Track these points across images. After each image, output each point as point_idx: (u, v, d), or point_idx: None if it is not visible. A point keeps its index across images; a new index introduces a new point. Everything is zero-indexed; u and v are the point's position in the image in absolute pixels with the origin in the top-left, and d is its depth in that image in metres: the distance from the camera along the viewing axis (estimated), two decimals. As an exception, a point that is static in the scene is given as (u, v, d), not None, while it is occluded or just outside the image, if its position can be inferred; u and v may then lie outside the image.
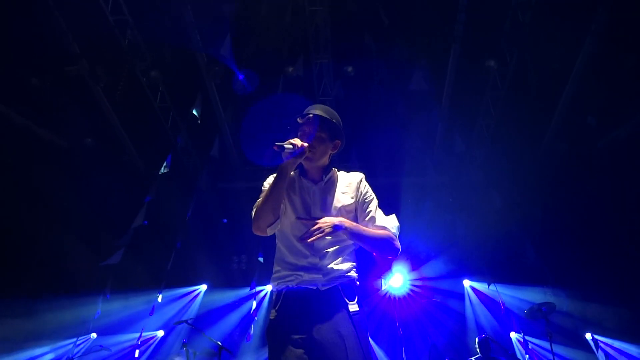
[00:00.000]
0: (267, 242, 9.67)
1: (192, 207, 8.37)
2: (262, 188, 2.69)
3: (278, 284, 2.58)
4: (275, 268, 2.63)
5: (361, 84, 7.76)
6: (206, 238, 8.81)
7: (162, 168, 7.69)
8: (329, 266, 2.53)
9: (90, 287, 7.66)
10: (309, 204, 2.63)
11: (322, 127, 2.65)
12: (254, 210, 2.53)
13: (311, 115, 2.65)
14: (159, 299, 7.92)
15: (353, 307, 2.48)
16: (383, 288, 8.07)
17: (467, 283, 8.76)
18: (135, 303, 7.96)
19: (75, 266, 7.62)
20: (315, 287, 2.50)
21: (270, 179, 2.69)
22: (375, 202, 2.74)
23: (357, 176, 2.77)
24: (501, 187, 8.11)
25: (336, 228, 2.49)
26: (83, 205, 7.57)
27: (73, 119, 7.28)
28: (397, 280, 8.25)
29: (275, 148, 2.44)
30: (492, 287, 8.15)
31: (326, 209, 2.61)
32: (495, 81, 7.43)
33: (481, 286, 8.51)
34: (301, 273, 2.51)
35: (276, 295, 2.56)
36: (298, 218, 2.54)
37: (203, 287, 8.90)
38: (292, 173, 2.67)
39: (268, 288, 8.73)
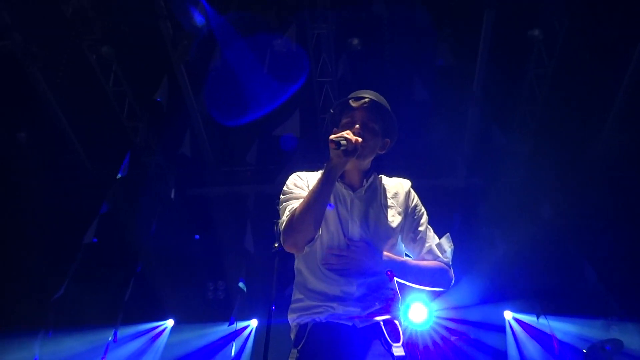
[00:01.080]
0: (252, 264, 9.62)
1: (156, 221, 8.50)
2: (286, 190, 2.74)
3: (300, 316, 2.61)
4: (297, 296, 2.67)
5: (370, 61, 7.80)
6: (174, 259, 8.90)
7: (118, 171, 7.83)
8: (370, 297, 2.58)
9: (27, 323, 7.73)
10: (346, 218, 2.67)
11: (377, 118, 2.71)
12: (288, 219, 2.56)
13: (367, 99, 2.70)
14: (114, 338, 7.97)
15: (398, 350, 2.50)
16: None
17: (509, 315, 8.79)
18: (84, 343, 7.99)
19: (6, 298, 7.63)
20: (351, 324, 2.54)
21: (297, 180, 2.77)
22: (426, 218, 2.82)
23: (405, 184, 2.86)
24: (551, 191, 8.14)
25: (375, 272, 2.57)
26: (16, 219, 7.65)
27: (2, 107, 7.33)
28: (419, 313, 8.23)
29: (333, 146, 2.46)
30: (541, 319, 8.19)
31: (368, 228, 2.66)
32: (540, 56, 7.49)
33: (528, 318, 8.55)
34: (333, 304, 2.55)
35: (298, 331, 2.58)
36: (329, 252, 2.58)
37: (169, 323, 8.93)
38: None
39: (253, 324, 8.75)
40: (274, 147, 8.11)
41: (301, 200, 2.57)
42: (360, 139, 2.52)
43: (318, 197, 2.49)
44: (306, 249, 2.54)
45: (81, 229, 7.79)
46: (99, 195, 7.89)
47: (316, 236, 2.54)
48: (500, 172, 8.49)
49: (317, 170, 2.81)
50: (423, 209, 2.83)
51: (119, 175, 7.78)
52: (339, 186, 2.72)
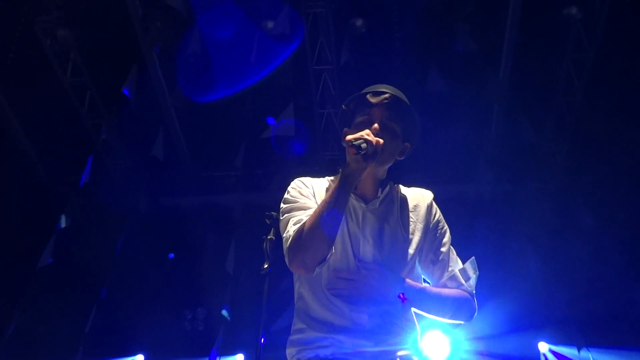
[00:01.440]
0: (237, 288, 9.54)
1: (123, 237, 8.50)
2: (290, 198, 2.82)
3: (301, 350, 2.67)
4: (297, 325, 2.75)
5: (377, 46, 7.80)
6: (144, 283, 8.80)
7: (79, 178, 7.76)
8: (383, 329, 2.64)
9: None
10: (356, 235, 2.74)
11: (398, 118, 2.79)
12: (295, 235, 2.62)
13: (388, 95, 2.78)
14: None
15: None
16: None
17: (544, 347, 8.65)
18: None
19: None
20: None
21: (302, 188, 2.86)
22: (449, 237, 2.90)
23: (426, 195, 2.94)
24: (593, 198, 8.13)
25: (390, 300, 2.63)
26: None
27: None
28: (440, 348, 8.13)
29: (352, 152, 2.52)
30: (583, 352, 8.07)
31: (382, 247, 2.74)
32: (578, 38, 7.52)
33: (567, 351, 8.43)
34: (340, 337, 2.61)
35: None
36: (336, 275, 2.66)
37: (139, 359, 8.81)
38: (330, 182, 2.87)
39: (239, 359, 8.66)
40: (264, 148, 8.20)
41: (308, 211, 2.66)
42: (381, 141, 2.58)
43: (333, 209, 2.54)
44: (317, 270, 2.59)
45: (34, 249, 7.75)
46: (55, 207, 7.90)
47: (329, 256, 2.60)
48: (532, 177, 8.53)
49: (321, 177, 2.91)
50: (446, 227, 2.89)
51: (80, 184, 7.76)
52: (351, 197, 2.76)
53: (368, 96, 2.77)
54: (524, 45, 7.38)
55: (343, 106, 2.85)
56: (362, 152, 2.50)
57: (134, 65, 7.47)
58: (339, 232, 2.65)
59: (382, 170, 2.84)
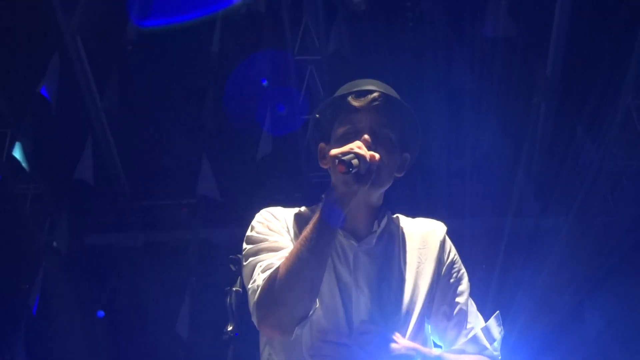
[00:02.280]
0: (194, 357, 9.46)
1: (38, 288, 8.54)
2: (255, 236, 2.79)
3: None
4: None
5: (382, 29, 7.95)
6: (67, 350, 8.78)
7: None
8: None
9: None
10: (348, 285, 2.74)
11: (393, 123, 2.80)
12: (266, 286, 2.58)
13: (377, 94, 2.78)
14: None
15: None
16: None
17: None
18: None
19: None
20: None
21: (272, 221, 2.83)
22: (467, 284, 2.92)
23: (438, 229, 2.96)
24: None
25: None
26: None
27: None
28: None
29: (341, 170, 2.48)
30: None
31: (382, 302, 2.74)
32: None
33: None
34: None
35: None
36: (322, 339, 2.66)
37: None
38: (310, 214, 2.84)
39: None
40: (231, 167, 8.45)
41: (281, 253, 2.63)
42: (377, 155, 2.56)
43: (316, 249, 2.51)
44: (296, 331, 2.54)
45: None
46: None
47: (311, 312, 2.56)
48: (594, 206, 8.50)
49: (297, 207, 2.90)
50: (463, 269, 2.91)
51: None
52: (339, 235, 2.75)
53: (350, 98, 2.77)
54: (579, 30, 7.50)
55: (316, 114, 2.87)
56: (353, 171, 2.47)
57: (54, 56, 7.56)
58: (325, 281, 2.63)
59: (377, 196, 2.83)
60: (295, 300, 2.51)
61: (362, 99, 2.75)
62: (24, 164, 8.38)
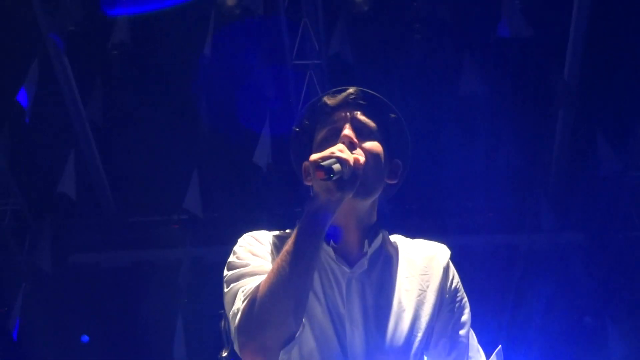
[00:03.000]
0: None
1: (18, 311, 8.47)
2: (237, 261, 2.73)
3: None
4: None
5: (387, 32, 8.02)
6: None
7: None
8: None
9: None
10: (340, 315, 2.67)
11: (378, 120, 2.78)
12: (245, 308, 2.54)
13: (354, 90, 2.78)
14: None
15: None
16: None
17: None
18: None
19: None
20: None
21: (255, 245, 2.78)
22: (469, 314, 2.85)
23: (441, 254, 2.89)
24: None
25: None
26: None
27: None
28: None
29: (320, 176, 2.42)
30: None
31: (379, 333, 2.67)
32: None
33: None
34: None
35: None
36: None
37: None
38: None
39: None
40: (226, 179, 8.51)
41: (264, 277, 2.59)
42: (362, 158, 2.55)
43: (299, 263, 2.48)
44: (282, 356, 2.46)
45: None
46: None
47: (297, 333, 2.48)
48: (616, 220, 8.59)
49: (282, 230, 2.87)
50: (465, 299, 2.86)
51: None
52: (326, 257, 2.72)
53: (325, 99, 2.75)
54: (598, 30, 7.53)
55: (295, 127, 2.85)
56: (336, 177, 2.41)
57: (34, 60, 7.52)
58: (317, 310, 2.63)
59: (368, 209, 2.76)
60: (278, 321, 2.47)
61: (338, 96, 2.74)
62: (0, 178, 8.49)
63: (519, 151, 8.25)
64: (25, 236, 8.98)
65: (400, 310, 2.70)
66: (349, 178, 2.45)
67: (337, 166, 2.41)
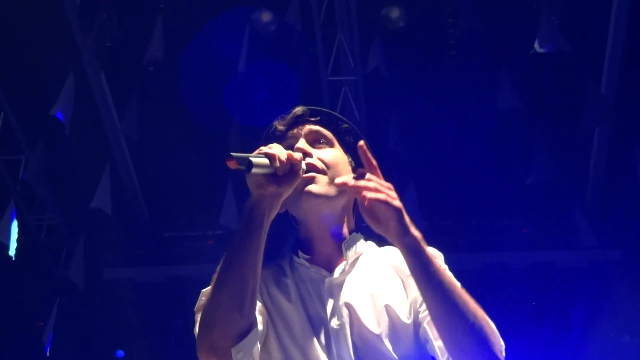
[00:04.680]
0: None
1: (52, 325, 8.48)
2: (205, 291, 2.74)
3: None
4: None
5: (422, 47, 8.05)
6: None
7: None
8: None
9: None
10: (322, 318, 2.69)
11: (333, 131, 2.85)
12: (198, 308, 2.63)
13: (300, 107, 2.87)
14: None
15: None
16: None
17: None
18: None
19: None
20: None
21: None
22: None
23: (396, 250, 2.87)
24: None
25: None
26: None
27: None
28: None
29: (232, 165, 2.42)
30: None
31: (363, 332, 2.67)
32: None
33: None
34: None
35: None
36: None
37: None
38: (287, 269, 2.83)
39: None
40: None
41: None
42: (296, 155, 2.55)
43: (236, 261, 2.52)
44: (235, 354, 2.47)
45: None
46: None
47: (251, 332, 2.51)
48: None
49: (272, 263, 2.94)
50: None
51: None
52: (302, 268, 2.77)
53: (275, 125, 2.81)
54: (636, 43, 7.50)
55: (276, 123, 2.88)
56: (266, 172, 2.44)
57: (69, 76, 7.51)
58: (297, 322, 2.64)
59: (339, 211, 2.79)
60: (224, 317, 2.48)
61: (287, 117, 2.83)
62: (38, 193, 8.41)
63: (555, 167, 8.16)
64: (61, 251, 8.98)
65: (383, 307, 2.71)
66: (287, 174, 2.47)
67: (263, 160, 2.42)
